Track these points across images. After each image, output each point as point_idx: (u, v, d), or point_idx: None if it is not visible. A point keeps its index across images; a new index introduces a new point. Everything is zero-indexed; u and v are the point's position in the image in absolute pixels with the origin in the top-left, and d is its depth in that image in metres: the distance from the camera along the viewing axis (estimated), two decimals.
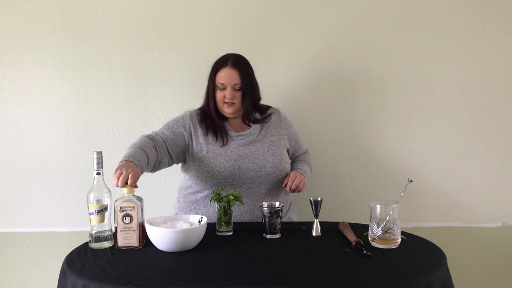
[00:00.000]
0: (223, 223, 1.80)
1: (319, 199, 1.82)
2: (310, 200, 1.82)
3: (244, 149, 2.03)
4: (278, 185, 2.06)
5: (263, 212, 1.77)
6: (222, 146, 2.02)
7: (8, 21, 2.39)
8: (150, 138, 1.97)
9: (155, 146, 1.94)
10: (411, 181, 1.74)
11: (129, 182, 1.66)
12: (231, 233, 1.81)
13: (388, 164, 2.49)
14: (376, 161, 2.49)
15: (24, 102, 2.44)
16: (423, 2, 2.41)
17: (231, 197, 1.79)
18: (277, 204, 1.80)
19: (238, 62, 2.02)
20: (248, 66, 2.06)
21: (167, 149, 1.99)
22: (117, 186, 1.66)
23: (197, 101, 2.43)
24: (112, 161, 2.43)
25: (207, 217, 1.76)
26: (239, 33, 2.42)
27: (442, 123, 2.46)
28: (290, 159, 2.19)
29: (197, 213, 2.04)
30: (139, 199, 1.67)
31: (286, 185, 2.00)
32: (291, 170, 2.13)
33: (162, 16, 2.41)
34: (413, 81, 2.45)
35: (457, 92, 2.45)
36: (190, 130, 2.05)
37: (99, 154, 1.68)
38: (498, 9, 2.40)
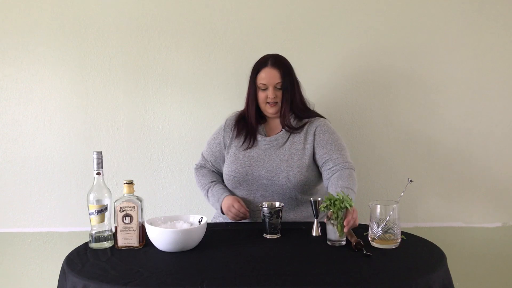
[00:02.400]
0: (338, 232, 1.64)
1: (319, 199, 1.81)
2: (310, 200, 1.82)
3: (263, 155, 2.00)
4: (294, 198, 1.98)
5: (263, 212, 1.76)
6: (246, 149, 2.03)
7: (8, 21, 2.39)
8: (208, 170, 2.15)
9: (215, 174, 2.15)
10: (411, 181, 1.74)
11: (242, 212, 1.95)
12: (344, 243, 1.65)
13: (388, 164, 2.49)
14: (376, 161, 2.49)
15: (24, 102, 2.44)
16: (424, 2, 2.41)
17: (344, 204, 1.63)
18: (277, 204, 1.80)
19: (278, 61, 2.02)
20: (288, 65, 2.06)
21: (218, 170, 2.16)
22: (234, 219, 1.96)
23: (197, 101, 2.44)
24: (112, 161, 2.45)
25: (226, 217, 1.95)
26: (239, 33, 2.42)
27: (442, 123, 2.46)
28: (320, 168, 1.99)
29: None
30: (139, 199, 1.67)
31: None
32: (329, 185, 1.92)
33: (162, 16, 2.41)
34: (413, 81, 2.45)
35: (457, 92, 2.45)
36: (225, 141, 2.10)
37: (99, 154, 1.68)
38: (498, 9, 2.40)
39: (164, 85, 2.45)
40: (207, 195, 2.09)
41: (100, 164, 1.68)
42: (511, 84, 2.45)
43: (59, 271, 1.55)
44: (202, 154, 2.19)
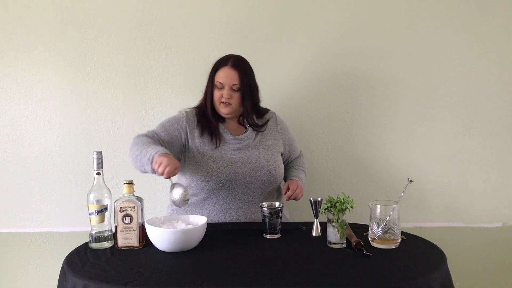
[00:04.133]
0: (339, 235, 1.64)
1: (319, 199, 1.82)
2: (310, 200, 1.82)
3: (240, 154, 2.02)
4: (272, 190, 2.07)
5: (263, 212, 1.76)
6: (216, 148, 2.01)
7: (8, 21, 2.39)
8: (148, 137, 1.95)
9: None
10: (411, 181, 1.74)
11: (167, 170, 1.70)
12: (344, 245, 1.65)
13: (388, 164, 2.49)
14: (376, 161, 2.49)
15: (24, 102, 2.44)
16: (424, 2, 2.41)
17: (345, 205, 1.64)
18: (277, 204, 1.80)
19: (238, 63, 2.02)
20: (248, 68, 2.05)
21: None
22: (161, 175, 1.71)
23: (197, 101, 2.43)
24: (112, 161, 2.45)
25: None
26: (239, 33, 2.42)
27: (442, 123, 2.46)
28: (285, 163, 2.19)
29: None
30: (139, 199, 1.67)
31: (285, 193, 2.00)
32: (286, 175, 2.15)
33: (162, 16, 2.41)
34: (413, 81, 2.45)
35: (456, 92, 2.45)
36: (187, 132, 2.03)
37: (99, 154, 1.68)
38: (498, 9, 2.40)
39: (164, 85, 2.45)
40: (140, 154, 1.84)
41: (100, 164, 1.68)
42: (510, 84, 2.45)
43: (59, 271, 1.55)
44: (147, 131, 2.03)
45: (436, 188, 2.50)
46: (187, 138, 2.03)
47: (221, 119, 2.08)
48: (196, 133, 2.03)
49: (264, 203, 1.80)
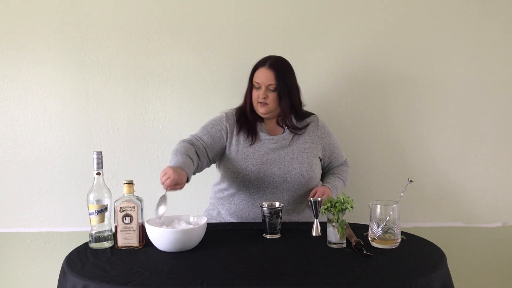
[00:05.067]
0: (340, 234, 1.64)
1: (319, 199, 1.82)
2: (310, 200, 1.82)
3: (273, 154, 2.02)
4: (303, 194, 2.04)
5: (263, 212, 1.76)
6: (250, 145, 2.03)
7: (8, 21, 2.39)
8: (191, 143, 2.00)
9: (196, 152, 1.98)
10: (411, 181, 1.74)
11: (166, 182, 1.71)
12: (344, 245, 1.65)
13: (388, 164, 2.49)
14: (376, 161, 2.49)
15: (24, 102, 2.44)
16: (424, 2, 2.41)
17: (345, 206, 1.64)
18: (277, 204, 1.80)
19: (276, 64, 2.03)
20: (287, 69, 2.05)
21: (207, 155, 2.02)
22: (163, 184, 1.73)
23: (197, 101, 2.44)
24: (112, 161, 2.45)
25: (229, 213, 1.93)
26: (239, 33, 2.42)
27: (442, 123, 2.46)
28: (324, 169, 2.18)
29: (222, 209, 2.07)
30: (139, 199, 1.67)
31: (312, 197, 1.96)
32: (323, 181, 2.13)
33: (162, 16, 2.41)
34: (413, 81, 2.45)
35: (456, 92, 2.45)
36: (227, 132, 2.07)
37: (99, 154, 1.68)
38: (499, 9, 2.40)
39: (164, 85, 2.45)
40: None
41: (100, 164, 1.68)
42: (510, 84, 2.45)
43: (59, 271, 1.55)
44: (191, 135, 2.07)
45: (436, 188, 2.50)
46: (227, 138, 2.06)
47: (260, 119, 2.09)
48: (235, 131, 2.06)
49: (264, 203, 1.80)
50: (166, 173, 1.74)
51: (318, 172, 2.09)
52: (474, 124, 2.46)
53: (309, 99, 2.46)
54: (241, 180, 2.01)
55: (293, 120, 2.08)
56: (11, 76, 2.42)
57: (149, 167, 2.47)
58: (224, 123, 2.08)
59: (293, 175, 2.00)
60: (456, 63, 2.43)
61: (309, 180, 2.02)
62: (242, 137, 2.05)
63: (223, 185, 2.08)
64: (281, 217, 1.78)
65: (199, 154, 1.99)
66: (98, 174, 1.68)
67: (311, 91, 2.45)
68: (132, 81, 2.44)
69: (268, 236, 1.77)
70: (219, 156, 2.09)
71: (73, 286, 1.40)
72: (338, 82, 2.45)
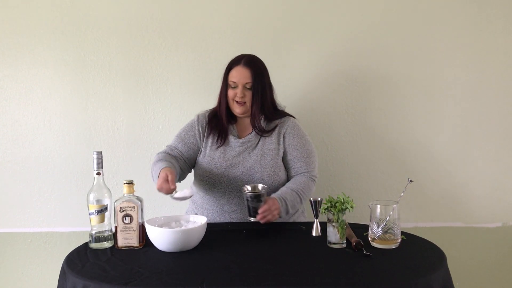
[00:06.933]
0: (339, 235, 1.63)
1: (319, 199, 1.82)
2: (310, 200, 1.82)
3: (238, 157, 2.00)
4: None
5: (246, 196, 1.78)
6: (217, 148, 2.02)
7: (8, 21, 2.39)
8: (169, 154, 2.01)
9: (177, 160, 1.99)
10: (411, 181, 1.74)
11: (159, 183, 1.78)
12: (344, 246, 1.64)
13: (388, 164, 2.49)
14: (376, 161, 2.49)
15: (24, 102, 2.44)
16: (424, 2, 2.41)
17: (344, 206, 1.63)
18: (260, 186, 1.83)
19: (251, 62, 2.01)
20: (261, 67, 2.04)
21: (185, 162, 2.04)
22: (160, 190, 1.79)
23: (197, 101, 2.44)
24: (112, 161, 2.45)
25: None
26: (239, 33, 2.42)
27: (442, 123, 2.46)
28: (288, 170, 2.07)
29: (198, 212, 2.06)
30: (139, 199, 1.67)
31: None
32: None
33: (162, 16, 2.41)
34: (413, 81, 2.45)
35: (456, 92, 2.45)
36: (200, 135, 2.06)
37: (99, 154, 1.68)
38: (499, 9, 2.40)
39: (164, 85, 2.45)
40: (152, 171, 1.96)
41: (100, 164, 1.68)
42: (510, 84, 2.45)
43: (59, 271, 1.55)
44: (167, 146, 2.08)
45: (436, 188, 2.50)
46: (202, 141, 2.06)
47: (235, 119, 2.08)
48: (206, 133, 2.06)
49: (247, 186, 1.82)
50: (157, 183, 1.80)
51: (282, 175, 2.02)
52: (474, 124, 2.46)
53: (309, 99, 2.47)
54: (206, 184, 1.99)
55: (262, 121, 2.03)
56: (11, 76, 2.42)
57: (149, 167, 2.46)
58: (196, 127, 2.07)
59: (255, 179, 1.96)
60: (456, 63, 2.43)
61: (271, 184, 1.96)
62: (210, 140, 2.04)
63: (195, 189, 2.08)
64: (263, 201, 1.79)
65: (179, 164, 2.00)
66: (98, 174, 1.68)
67: (311, 91, 2.45)
68: (132, 81, 2.44)
69: (252, 219, 1.80)
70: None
71: (73, 286, 1.40)
72: (339, 82, 2.45)
